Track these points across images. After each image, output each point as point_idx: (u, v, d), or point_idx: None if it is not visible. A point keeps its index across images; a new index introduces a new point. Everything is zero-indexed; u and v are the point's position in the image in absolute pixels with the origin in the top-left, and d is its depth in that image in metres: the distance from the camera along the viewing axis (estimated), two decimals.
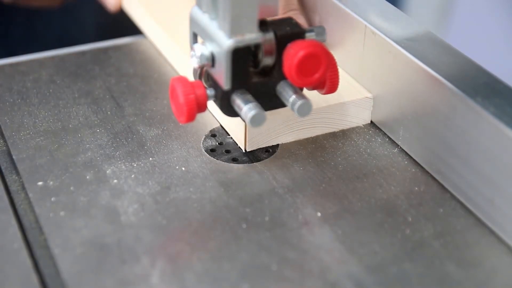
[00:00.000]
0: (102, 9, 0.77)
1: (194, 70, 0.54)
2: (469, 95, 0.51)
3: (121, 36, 0.73)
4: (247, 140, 0.57)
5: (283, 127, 0.58)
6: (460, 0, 1.49)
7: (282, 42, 0.51)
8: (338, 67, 0.55)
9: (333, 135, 0.59)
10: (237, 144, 0.58)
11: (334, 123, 0.60)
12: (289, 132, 0.58)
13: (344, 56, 0.62)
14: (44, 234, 0.50)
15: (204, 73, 0.54)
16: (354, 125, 0.60)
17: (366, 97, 0.60)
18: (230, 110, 0.53)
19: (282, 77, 0.52)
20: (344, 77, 0.62)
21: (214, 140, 0.59)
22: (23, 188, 0.54)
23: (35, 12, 0.83)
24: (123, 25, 0.73)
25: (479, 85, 0.52)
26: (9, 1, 0.79)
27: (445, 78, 0.52)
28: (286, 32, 0.51)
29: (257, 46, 0.52)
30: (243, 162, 0.57)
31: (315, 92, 0.56)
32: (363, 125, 0.61)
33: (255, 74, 0.53)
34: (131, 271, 0.47)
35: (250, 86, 0.52)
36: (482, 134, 0.50)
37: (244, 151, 0.57)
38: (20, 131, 0.59)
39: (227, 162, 0.57)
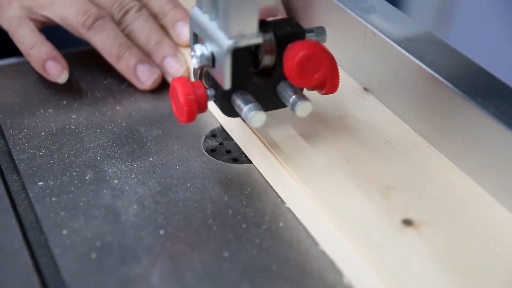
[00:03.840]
0: None
1: (195, 70, 0.54)
2: (469, 95, 0.51)
3: None
4: None
5: None
6: (460, 0, 1.49)
7: (282, 43, 0.51)
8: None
9: None
10: (237, 145, 0.58)
11: None
12: None
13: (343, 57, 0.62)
14: (44, 234, 0.50)
15: (205, 73, 0.54)
16: None
17: None
18: (230, 111, 0.53)
19: (282, 77, 0.52)
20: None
21: (215, 140, 0.59)
22: (24, 188, 0.54)
23: None
24: None
25: (479, 85, 0.52)
26: None
27: (445, 78, 0.52)
28: (286, 33, 0.51)
29: (257, 47, 0.52)
30: (243, 162, 0.57)
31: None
32: None
33: (255, 74, 0.53)
34: (131, 271, 0.47)
35: (250, 86, 0.52)
36: (482, 135, 0.50)
37: None
38: (20, 131, 0.59)
39: (227, 162, 0.57)
